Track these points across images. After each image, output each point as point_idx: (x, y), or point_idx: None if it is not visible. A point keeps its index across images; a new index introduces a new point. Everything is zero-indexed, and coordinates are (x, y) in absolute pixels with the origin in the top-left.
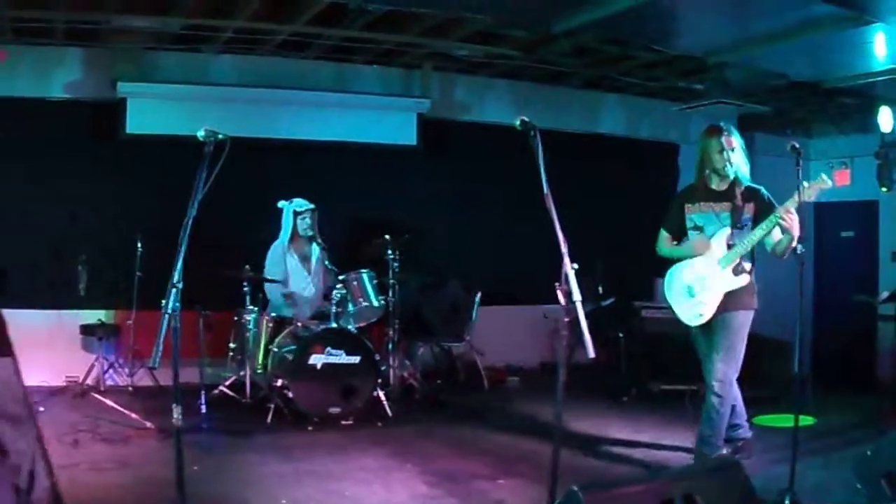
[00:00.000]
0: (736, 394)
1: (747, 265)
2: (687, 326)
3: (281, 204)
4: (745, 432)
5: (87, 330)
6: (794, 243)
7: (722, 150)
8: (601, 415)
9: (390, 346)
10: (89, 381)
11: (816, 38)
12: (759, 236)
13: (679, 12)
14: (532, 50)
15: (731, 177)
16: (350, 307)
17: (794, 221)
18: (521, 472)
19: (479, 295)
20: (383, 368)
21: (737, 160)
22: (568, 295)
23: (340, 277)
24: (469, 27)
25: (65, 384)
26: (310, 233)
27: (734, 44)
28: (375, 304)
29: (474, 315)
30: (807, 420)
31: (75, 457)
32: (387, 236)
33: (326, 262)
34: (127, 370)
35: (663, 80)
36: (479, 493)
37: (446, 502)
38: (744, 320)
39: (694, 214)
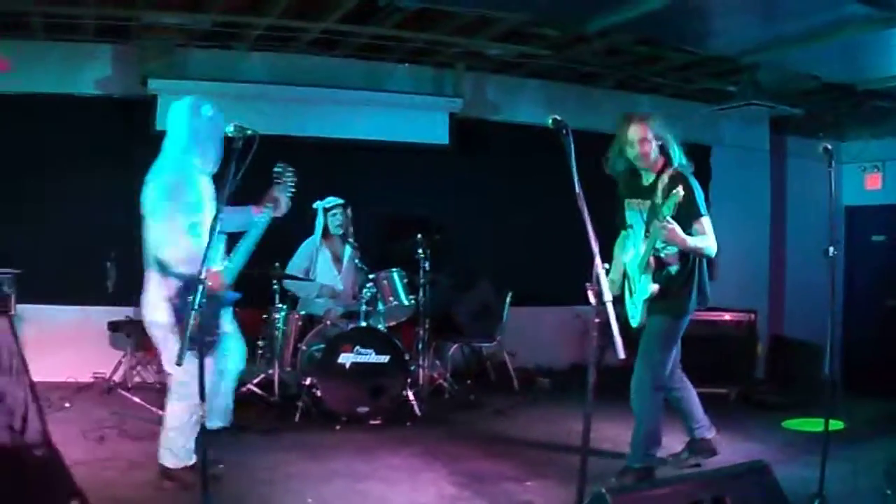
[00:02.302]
0: (687, 395)
1: (674, 270)
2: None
3: (316, 205)
4: (705, 432)
5: (115, 326)
6: (700, 247)
7: (634, 140)
8: (630, 417)
9: (420, 345)
10: (116, 378)
11: (849, 40)
12: (650, 244)
13: (711, 12)
14: (564, 50)
15: (660, 166)
16: (380, 306)
17: (672, 232)
18: (550, 474)
19: (509, 295)
20: (413, 368)
21: (648, 149)
22: (599, 295)
23: (371, 276)
24: (501, 26)
25: (92, 380)
26: (340, 231)
27: (767, 45)
28: (406, 303)
29: (505, 315)
30: (836, 424)
31: (101, 453)
32: (418, 235)
33: (357, 261)
34: (154, 367)
35: (695, 81)
36: (507, 495)
37: (474, 503)
38: (662, 325)
39: (627, 212)
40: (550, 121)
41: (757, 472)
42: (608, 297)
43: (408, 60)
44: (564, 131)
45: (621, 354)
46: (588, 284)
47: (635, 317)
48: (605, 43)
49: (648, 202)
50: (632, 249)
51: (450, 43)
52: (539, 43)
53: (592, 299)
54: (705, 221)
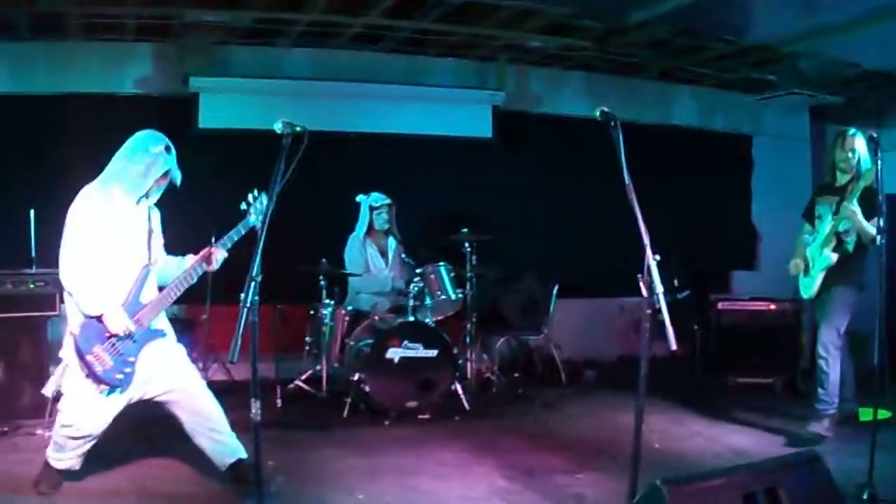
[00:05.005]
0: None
1: (850, 246)
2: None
3: (359, 198)
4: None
5: None
6: (867, 230)
7: (842, 151)
8: (677, 408)
9: (468, 339)
10: None
11: (890, 27)
12: (836, 224)
13: (752, 2)
14: (606, 42)
15: (850, 175)
16: (428, 300)
17: (854, 213)
18: (600, 466)
19: (556, 287)
20: (461, 362)
21: (854, 160)
22: (650, 287)
23: (418, 270)
24: (543, 19)
25: None
26: (386, 226)
27: (807, 33)
28: (453, 297)
29: (552, 308)
30: (884, 414)
31: (150, 451)
32: (464, 229)
33: (403, 255)
34: (201, 365)
35: (737, 71)
36: (558, 488)
37: (525, 497)
38: (840, 294)
39: (819, 206)
40: (598, 113)
41: (809, 463)
42: (660, 287)
43: (450, 54)
44: (613, 123)
45: (673, 345)
46: (639, 276)
47: (809, 287)
48: (646, 34)
49: (837, 198)
50: (815, 235)
51: (492, 36)
52: (581, 35)
53: (644, 291)
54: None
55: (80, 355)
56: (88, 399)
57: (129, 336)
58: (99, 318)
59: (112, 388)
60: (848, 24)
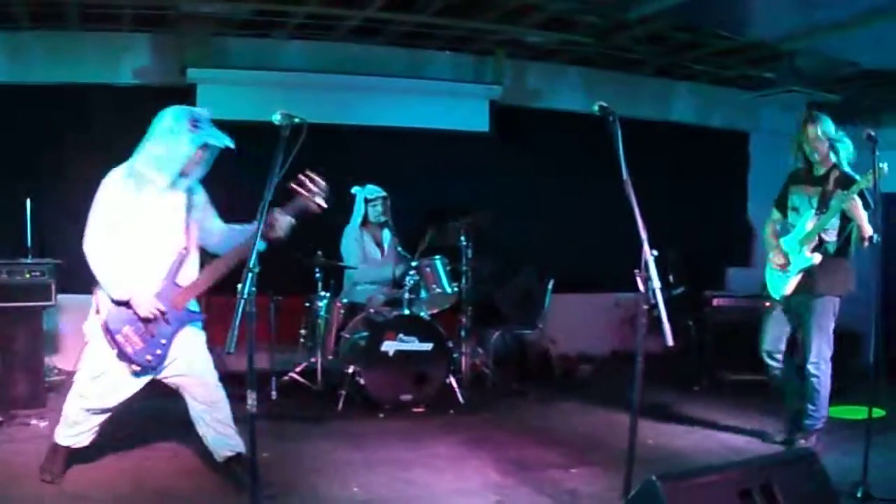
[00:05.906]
0: (828, 382)
1: (830, 248)
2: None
3: (354, 190)
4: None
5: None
6: (865, 225)
7: (816, 137)
8: (672, 404)
9: (462, 333)
10: None
11: (888, 26)
12: (825, 221)
13: None
14: (604, 37)
15: (831, 163)
16: (423, 294)
17: (856, 206)
18: (594, 461)
19: (551, 282)
20: (455, 355)
21: (827, 148)
22: (647, 282)
23: (413, 264)
24: (542, 14)
25: None
26: (381, 219)
27: (806, 31)
28: (448, 290)
29: (547, 302)
30: (878, 412)
31: (142, 443)
32: (460, 223)
33: (399, 249)
34: None
35: (734, 68)
36: (552, 482)
37: (519, 491)
38: (826, 306)
39: (794, 196)
40: (597, 107)
41: (804, 460)
42: (657, 283)
43: (448, 48)
44: (611, 118)
45: (669, 341)
46: (636, 271)
47: (782, 287)
48: (645, 30)
49: (819, 189)
50: (791, 228)
51: (490, 30)
52: (579, 30)
53: (641, 286)
54: (867, 212)
55: (110, 334)
56: (113, 376)
57: (163, 318)
58: (126, 303)
59: (143, 371)
60: (846, 22)
